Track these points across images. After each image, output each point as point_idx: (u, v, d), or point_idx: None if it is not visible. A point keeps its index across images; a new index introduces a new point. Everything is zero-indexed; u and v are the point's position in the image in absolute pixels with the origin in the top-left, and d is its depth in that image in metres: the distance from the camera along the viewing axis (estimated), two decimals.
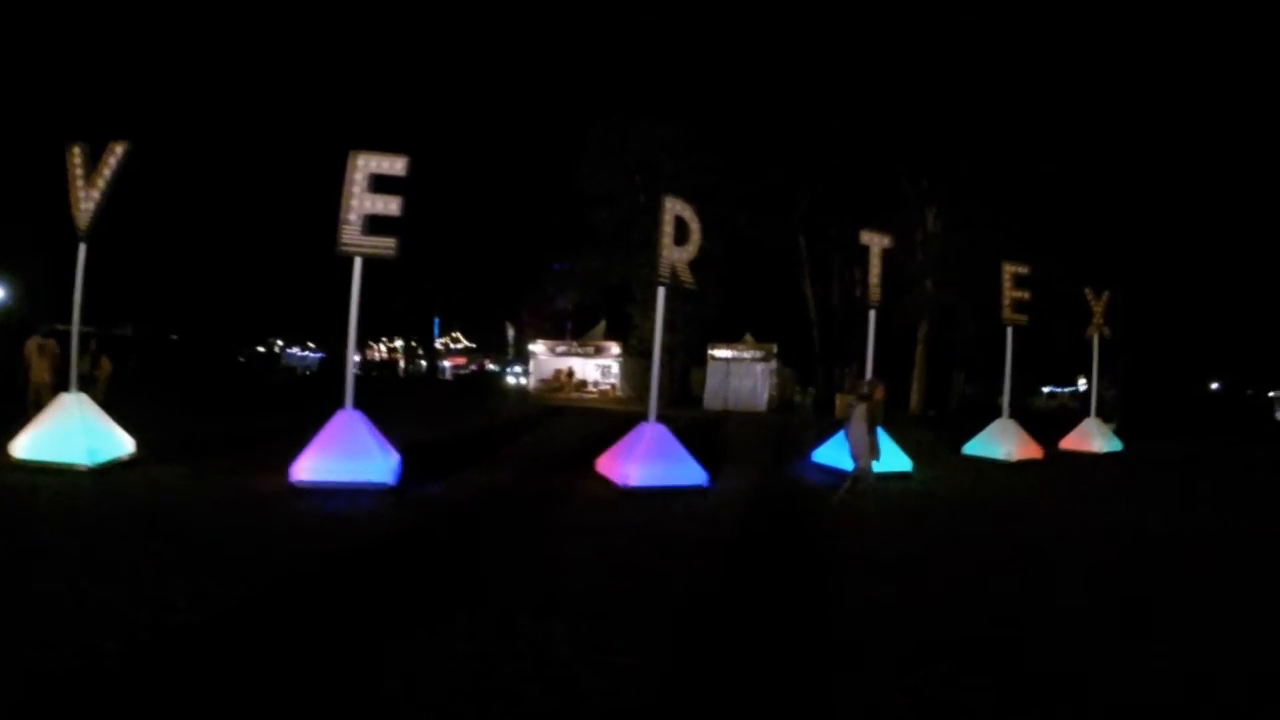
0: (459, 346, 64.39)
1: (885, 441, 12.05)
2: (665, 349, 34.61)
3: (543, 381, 39.58)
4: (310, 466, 9.26)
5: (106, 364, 10.87)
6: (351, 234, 9.78)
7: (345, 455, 9.38)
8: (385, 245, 9.87)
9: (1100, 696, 4.12)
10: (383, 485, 9.24)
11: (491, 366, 54.83)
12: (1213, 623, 5.51)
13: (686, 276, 10.81)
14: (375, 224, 9.92)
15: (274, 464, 9.69)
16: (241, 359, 43.46)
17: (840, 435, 13.98)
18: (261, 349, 52.07)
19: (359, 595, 5.26)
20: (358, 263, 9.87)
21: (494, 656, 4.25)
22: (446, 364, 61.80)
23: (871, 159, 31.72)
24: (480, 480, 10.41)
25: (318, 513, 7.78)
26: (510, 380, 39.60)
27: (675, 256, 10.74)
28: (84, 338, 10.58)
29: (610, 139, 31.67)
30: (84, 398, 10.54)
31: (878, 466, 11.54)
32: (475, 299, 50.03)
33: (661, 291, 10.93)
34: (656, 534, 7.56)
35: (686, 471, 10.31)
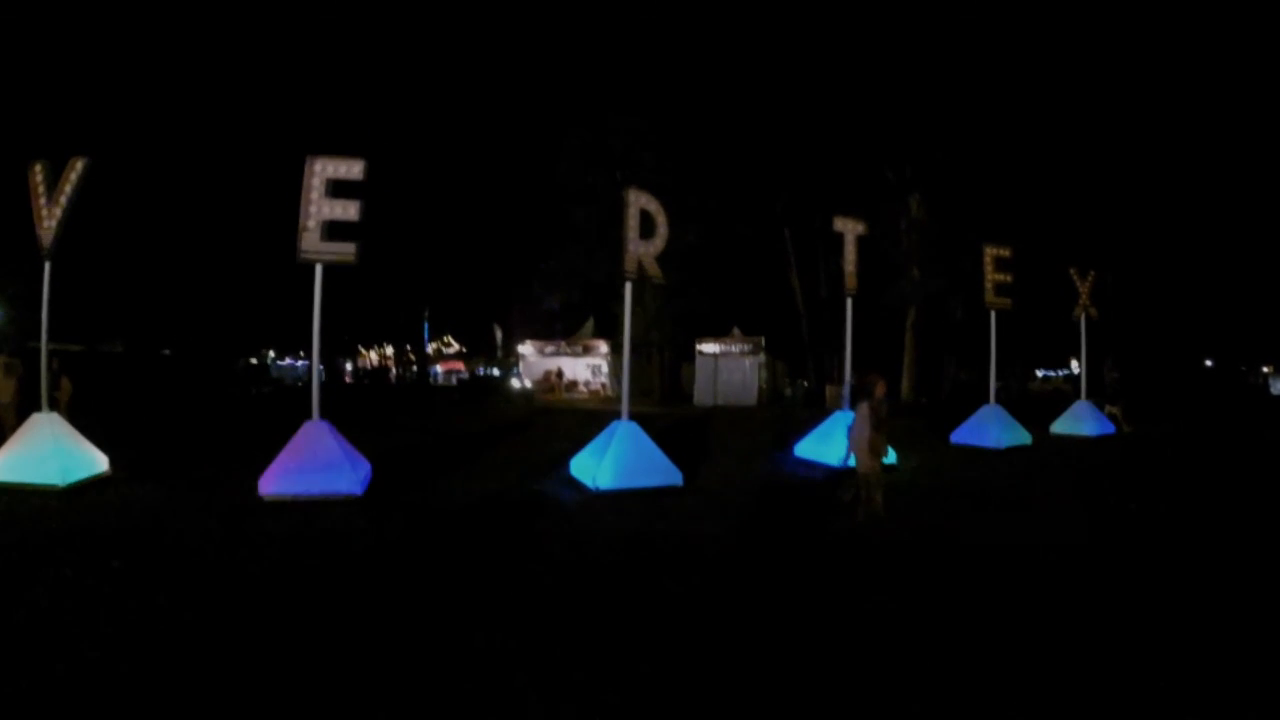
0: (451, 351, 64.22)
1: None
2: (653, 345, 34.62)
3: (534, 383, 39.38)
4: (278, 479, 9.15)
5: (67, 384, 10.77)
6: (311, 240, 9.63)
7: (312, 467, 9.26)
8: (345, 251, 9.71)
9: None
10: (351, 495, 9.12)
11: (483, 370, 54.60)
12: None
13: (654, 270, 10.65)
14: (337, 230, 9.79)
15: (247, 478, 9.52)
16: (228, 370, 43.18)
17: (822, 427, 13.98)
18: (254, 360, 51.86)
19: (304, 613, 5.12)
20: (318, 270, 9.72)
21: (436, 675, 4.12)
22: (439, 369, 61.62)
23: (853, 146, 31.52)
24: (451, 487, 10.28)
25: (279, 527, 7.65)
26: (515, 384, 39.57)
27: (641, 250, 10.58)
28: (46, 357, 10.53)
29: (589, 135, 31.47)
30: (55, 417, 10.57)
31: (854, 461, 11.38)
32: (464, 301, 49.96)
33: (628, 287, 10.77)
34: (622, 540, 7.40)
35: (660, 471, 10.14)
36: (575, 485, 10.29)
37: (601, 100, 31.75)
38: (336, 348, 55.97)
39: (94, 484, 10.03)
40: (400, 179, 38.24)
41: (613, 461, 9.94)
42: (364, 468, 9.93)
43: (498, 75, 38.01)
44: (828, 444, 13.06)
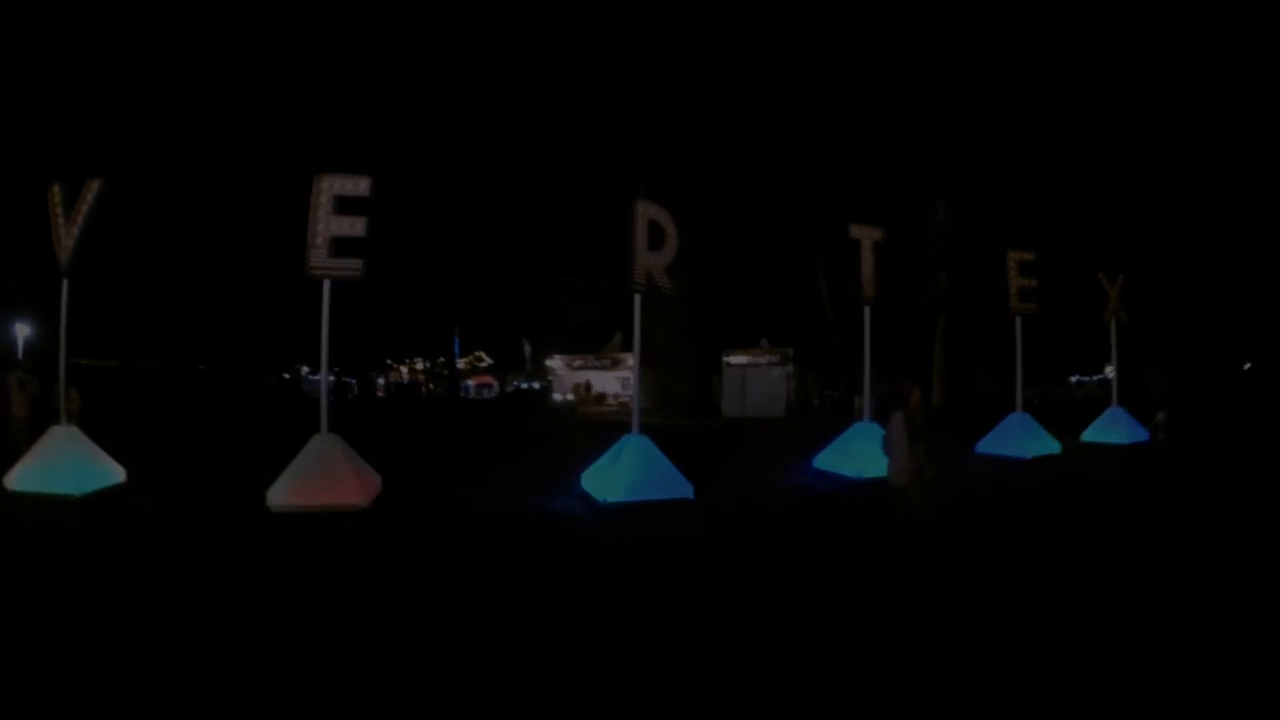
0: (484, 365, 64.59)
1: (873, 444, 11.55)
2: (681, 358, 34.53)
3: (575, 396, 39.59)
4: (285, 492, 9.25)
5: (75, 396, 11.06)
6: (319, 257, 9.72)
7: (320, 480, 9.34)
8: (352, 267, 9.79)
9: None
10: (357, 508, 9.15)
11: (524, 384, 54.74)
12: None
13: (663, 282, 10.57)
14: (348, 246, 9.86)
15: (259, 489, 9.51)
16: (258, 385, 43.86)
17: (841, 439, 13.71)
18: (286, 375, 52.65)
19: (290, 624, 5.10)
20: (326, 286, 9.80)
21: (400, 685, 4.05)
22: (470, 383, 61.94)
23: (878, 152, 31.17)
24: (460, 500, 10.27)
25: (281, 539, 7.76)
26: (556, 397, 39.99)
27: (650, 262, 10.51)
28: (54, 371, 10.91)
29: (613, 148, 31.59)
30: (74, 430, 10.85)
31: (871, 472, 11.10)
32: (493, 316, 50.26)
33: (637, 299, 10.70)
34: (619, 554, 7.34)
35: (669, 484, 10.00)
36: (585, 499, 10.20)
37: (624, 112, 31.84)
38: (369, 363, 56.63)
39: (108, 494, 10.27)
40: (432, 196, 38.60)
41: (621, 475, 9.87)
42: (372, 480, 9.98)
43: (524, 93, 38.24)
44: (846, 456, 12.85)
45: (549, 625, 5.09)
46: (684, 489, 10.07)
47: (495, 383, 61.62)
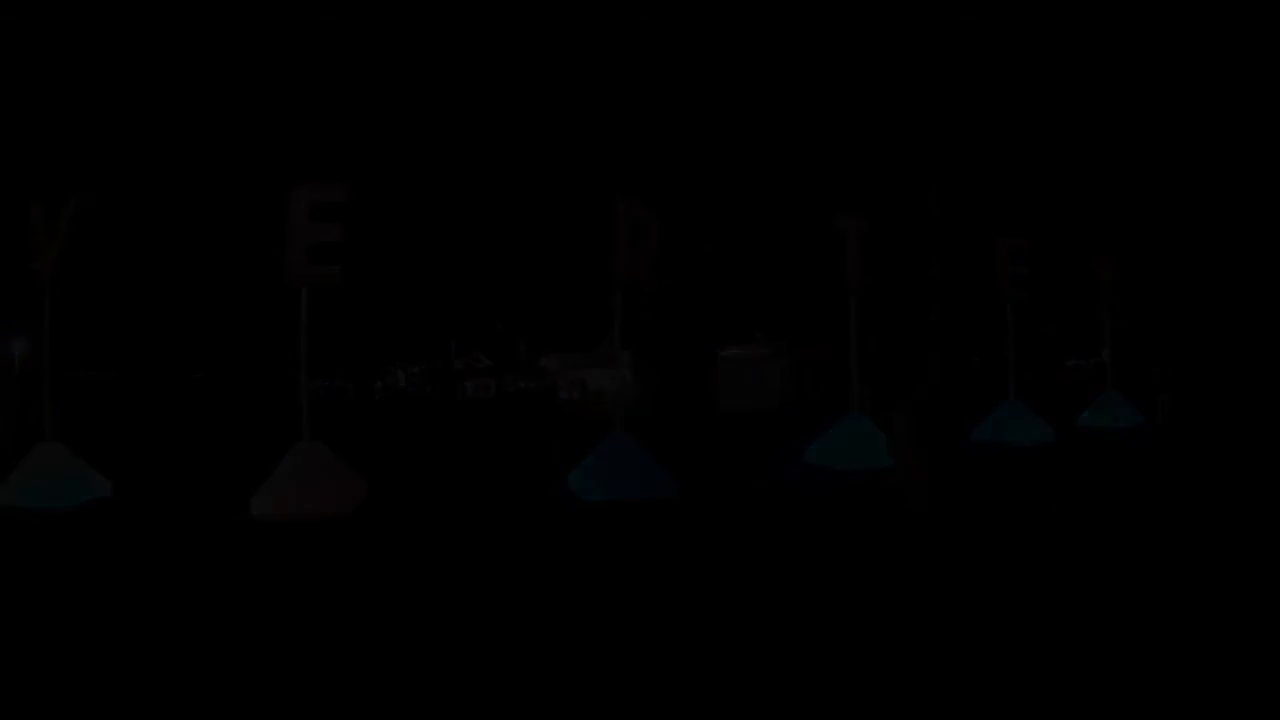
0: (481, 366, 64.43)
1: (868, 434, 11.61)
2: (674, 352, 34.46)
3: (579, 395, 39.64)
4: (269, 500, 9.26)
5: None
6: (295, 265, 9.68)
7: (302, 488, 9.33)
8: (330, 275, 9.76)
9: None
10: (341, 514, 9.13)
11: (523, 384, 54.56)
12: None
13: (646, 279, 10.56)
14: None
15: (245, 498, 9.43)
16: (252, 393, 43.79)
17: (831, 432, 13.67)
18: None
19: (269, 635, 5.00)
20: (304, 294, 9.77)
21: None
22: (469, 384, 61.80)
23: (869, 140, 31.07)
24: (443, 503, 10.23)
25: (263, 547, 7.80)
26: (562, 395, 40.17)
27: (633, 258, 10.49)
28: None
29: (608, 140, 31.48)
30: (58, 445, 10.83)
31: (861, 466, 11.12)
32: (488, 316, 50.12)
33: (619, 295, 10.69)
34: (591, 552, 7.38)
35: (653, 482, 10.00)
36: (570, 497, 10.16)
37: (613, 106, 31.74)
38: (367, 367, 56.49)
39: (93, 506, 10.21)
40: (423, 197, 38.59)
41: (603, 473, 9.93)
42: (356, 486, 9.94)
43: (516, 88, 38.19)
44: (837, 449, 12.84)
45: (513, 629, 5.02)
46: (668, 486, 10.08)
47: (493, 382, 61.45)
